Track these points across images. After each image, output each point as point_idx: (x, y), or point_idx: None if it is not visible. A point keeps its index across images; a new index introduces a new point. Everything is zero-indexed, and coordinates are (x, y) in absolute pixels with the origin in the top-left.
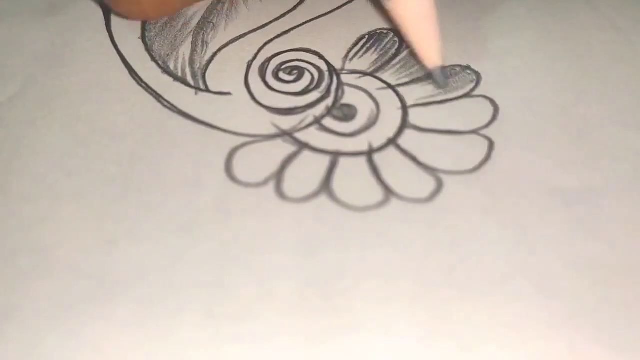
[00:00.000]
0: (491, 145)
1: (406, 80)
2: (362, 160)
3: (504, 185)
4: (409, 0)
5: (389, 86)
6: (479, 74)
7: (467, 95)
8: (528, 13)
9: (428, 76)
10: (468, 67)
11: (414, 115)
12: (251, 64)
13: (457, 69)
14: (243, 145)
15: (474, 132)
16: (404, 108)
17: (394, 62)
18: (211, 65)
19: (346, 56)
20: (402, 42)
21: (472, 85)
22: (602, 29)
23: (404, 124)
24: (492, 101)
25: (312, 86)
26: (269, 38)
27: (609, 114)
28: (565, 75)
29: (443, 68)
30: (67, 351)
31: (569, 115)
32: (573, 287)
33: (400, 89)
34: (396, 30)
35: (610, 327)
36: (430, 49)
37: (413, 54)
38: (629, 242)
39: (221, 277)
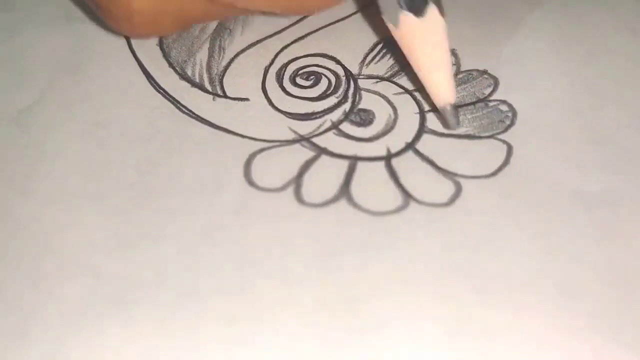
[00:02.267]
0: (510, 149)
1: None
2: (380, 165)
3: (523, 189)
4: (419, 27)
5: (406, 91)
6: (497, 78)
7: (485, 99)
8: (544, 16)
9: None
10: (485, 72)
11: (432, 120)
12: (268, 70)
13: (475, 73)
14: (261, 150)
15: (492, 136)
16: (422, 113)
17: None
18: (228, 71)
19: (363, 61)
20: None
21: (490, 89)
22: (619, 32)
23: (422, 129)
24: (510, 105)
25: (329, 91)
26: (286, 43)
27: (626, 117)
28: (583, 78)
29: (454, 106)
30: (89, 353)
31: (586, 119)
32: (594, 289)
33: (418, 94)
34: None
35: (633, 329)
36: (442, 83)
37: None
38: None
39: (241, 281)
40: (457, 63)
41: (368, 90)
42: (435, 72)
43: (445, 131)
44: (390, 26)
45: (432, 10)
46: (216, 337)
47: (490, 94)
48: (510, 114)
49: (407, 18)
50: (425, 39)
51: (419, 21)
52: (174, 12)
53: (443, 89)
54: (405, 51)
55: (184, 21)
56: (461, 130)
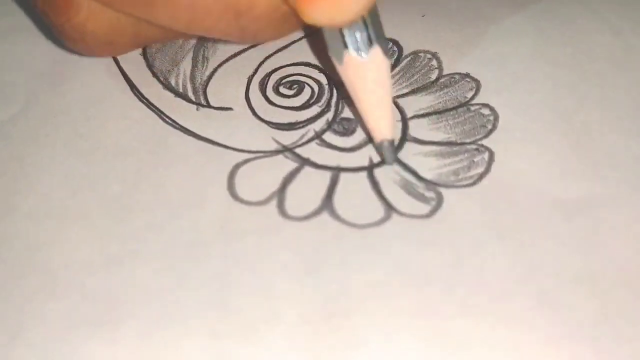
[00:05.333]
0: (491, 156)
1: (405, 91)
2: (362, 176)
3: (503, 198)
4: (363, 64)
5: None
6: (479, 81)
7: (467, 103)
8: (526, 18)
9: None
10: (467, 75)
11: (414, 127)
12: (252, 79)
13: (457, 77)
14: (245, 161)
15: (474, 142)
16: (404, 120)
17: (393, 72)
18: (212, 80)
19: None
20: (401, 52)
21: (472, 92)
22: (602, 33)
23: (404, 137)
24: (492, 109)
25: (312, 100)
26: (269, 53)
27: (609, 120)
28: (565, 80)
29: (392, 142)
30: None
31: (569, 122)
32: (573, 301)
33: (400, 101)
34: (395, 40)
35: (610, 341)
36: (382, 120)
37: (361, 122)
38: (628, 253)
39: (225, 297)
40: (439, 67)
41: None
42: (376, 110)
43: (427, 139)
44: (335, 63)
45: (375, 51)
46: (200, 352)
47: (472, 98)
48: (492, 118)
49: (351, 57)
50: (367, 78)
51: (362, 61)
52: (129, 34)
53: (382, 125)
54: (349, 88)
55: (141, 42)
56: (443, 137)
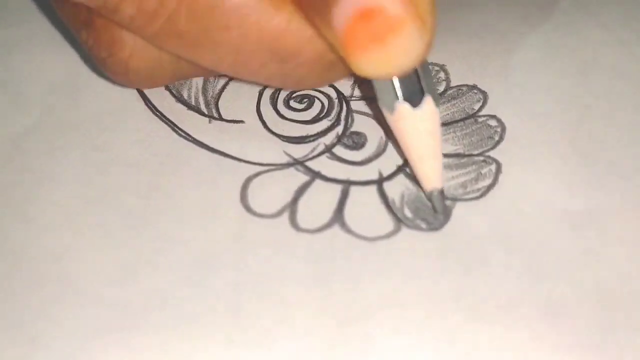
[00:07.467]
0: (498, 167)
1: None
2: (372, 189)
3: (511, 210)
4: (416, 115)
5: None
6: (486, 93)
7: (474, 115)
8: (532, 29)
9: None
10: (474, 87)
11: None
12: (262, 92)
13: (464, 88)
14: (257, 174)
15: (482, 154)
16: None
17: None
18: (224, 93)
19: (354, 82)
20: None
21: (479, 104)
22: (608, 44)
23: None
24: (499, 120)
25: (322, 114)
26: None
27: (615, 130)
28: (571, 91)
29: (442, 191)
30: None
31: (575, 132)
32: (580, 312)
33: None
34: None
35: (617, 352)
36: (432, 169)
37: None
38: (634, 264)
39: (238, 306)
40: (446, 79)
41: (360, 112)
42: (427, 160)
43: None
44: (386, 112)
45: (428, 101)
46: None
47: (480, 109)
48: (499, 129)
49: (403, 108)
50: (420, 128)
51: (414, 111)
52: (170, 70)
53: (433, 174)
54: (399, 138)
55: (180, 77)
56: (450, 149)
